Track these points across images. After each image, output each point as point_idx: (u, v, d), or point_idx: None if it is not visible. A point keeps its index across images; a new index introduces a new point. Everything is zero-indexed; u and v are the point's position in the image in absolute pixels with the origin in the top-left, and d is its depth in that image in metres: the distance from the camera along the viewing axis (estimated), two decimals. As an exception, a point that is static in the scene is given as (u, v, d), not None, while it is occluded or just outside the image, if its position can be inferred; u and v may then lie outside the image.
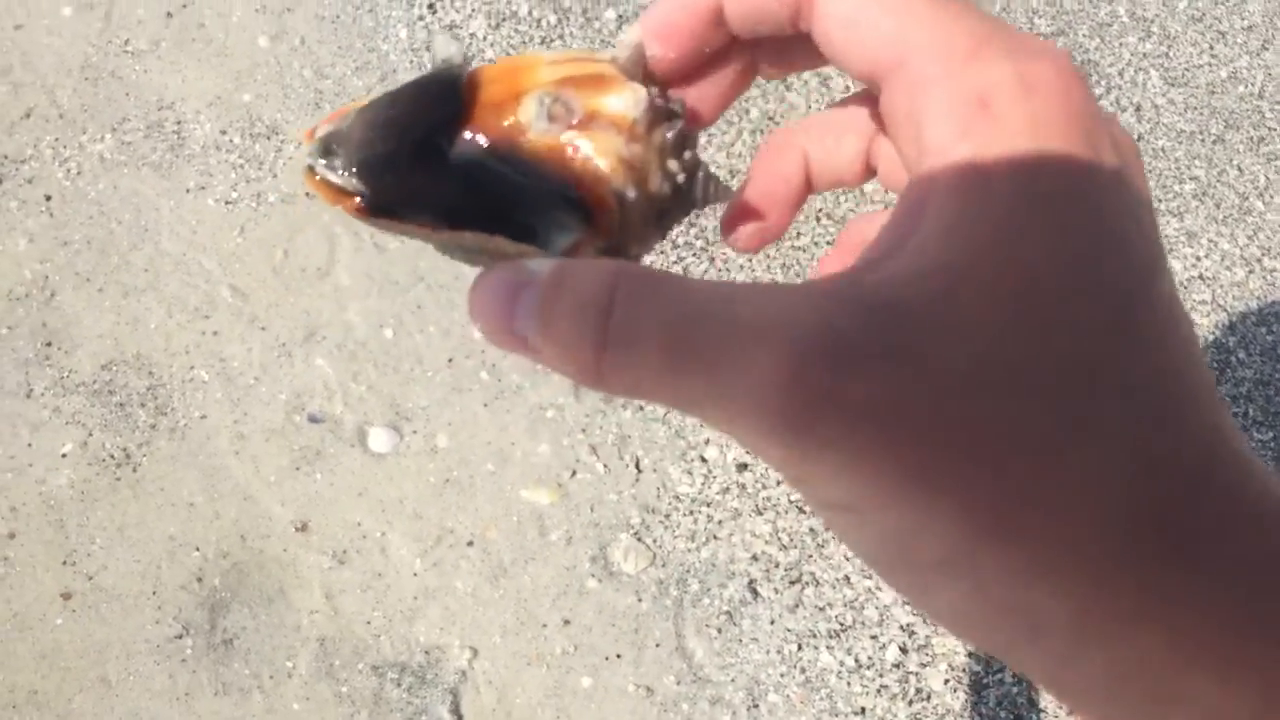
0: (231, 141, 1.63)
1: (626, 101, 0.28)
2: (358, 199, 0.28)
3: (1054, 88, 0.23)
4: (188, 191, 1.58)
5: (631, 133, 0.28)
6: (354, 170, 0.28)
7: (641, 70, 0.30)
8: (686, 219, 0.34)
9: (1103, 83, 2.00)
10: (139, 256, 1.52)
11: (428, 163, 0.27)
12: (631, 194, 0.28)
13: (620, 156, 0.28)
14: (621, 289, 0.23)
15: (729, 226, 0.34)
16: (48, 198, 1.53)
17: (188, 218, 1.56)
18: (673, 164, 0.29)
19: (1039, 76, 0.23)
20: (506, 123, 0.28)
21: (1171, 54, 2.06)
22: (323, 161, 0.28)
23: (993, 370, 0.21)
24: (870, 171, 0.34)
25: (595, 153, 0.27)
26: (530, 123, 0.27)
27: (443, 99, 0.28)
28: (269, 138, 1.64)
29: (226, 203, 1.58)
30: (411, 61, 1.76)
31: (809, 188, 0.34)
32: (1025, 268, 0.21)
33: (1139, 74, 2.02)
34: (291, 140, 1.65)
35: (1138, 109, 1.98)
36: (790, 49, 0.31)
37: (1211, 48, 2.08)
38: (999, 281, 0.21)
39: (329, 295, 1.55)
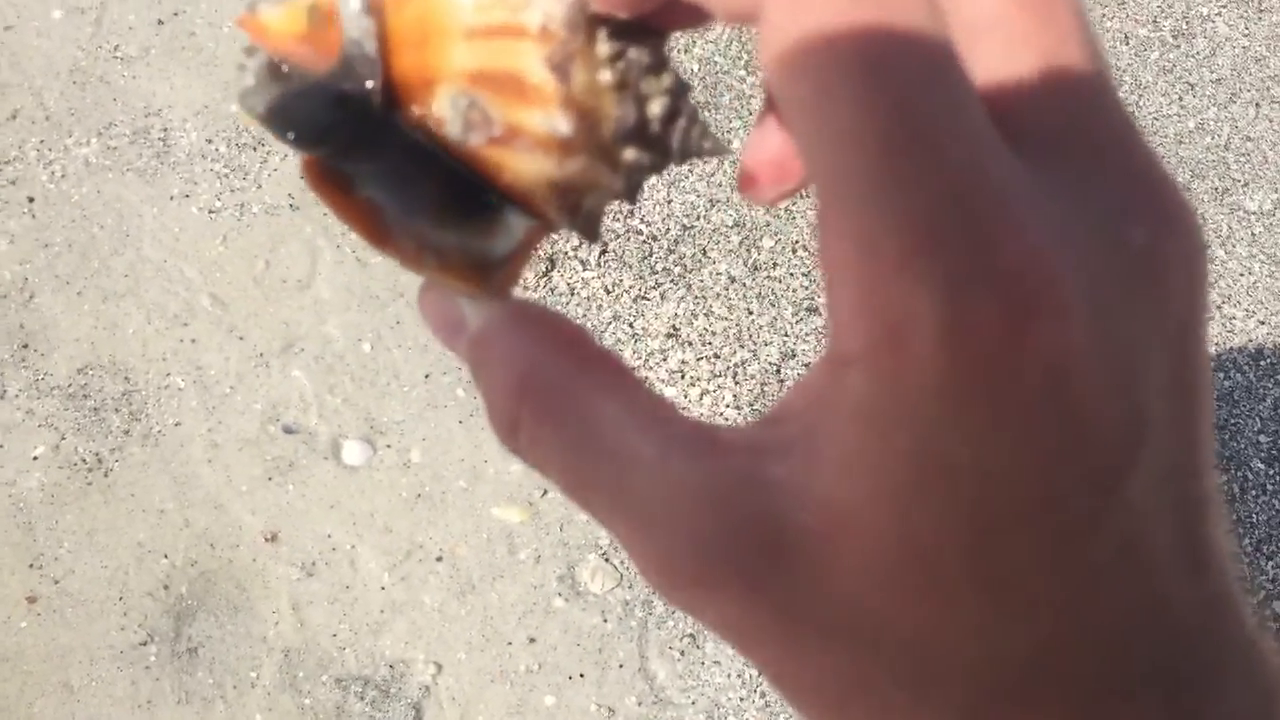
0: (217, 150, 1.64)
1: (552, 121, 0.24)
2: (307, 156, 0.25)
3: (981, 334, 0.19)
4: (171, 199, 1.59)
5: (566, 149, 0.24)
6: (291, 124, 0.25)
7: (584, 30, 0.24)
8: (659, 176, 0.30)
9: (1075, 128, 2.05)
10: (120, 262, 1.53)
11: (368, 140, 0.25)
12: (566, 220, 0.25)
13: (552, 182, 0.25)
14: (528, 404, 0.23)
15: (746, 183, 0.28)
16: (30, 199, 1.54)
17: (170, 225, 1.57)
18: (630, 154, 0.26)
19: (966, 317, 0.19)
20: (420, 113, 0.24)
21: (1142, 103, 2.11)
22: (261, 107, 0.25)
23: (857, 631, 0.20)
24: None
25: (521, 179, 0.24)
26: (446, 121, 0.24)
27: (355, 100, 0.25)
28: (255, 148, 1.65)
29: (210, 211, 1.59)
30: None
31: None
32: (908, 547, 0.19)
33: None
34: (277, 152, 1.66)
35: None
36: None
37: (1181, 99, 2.13)
38: (880, 554, 0.19)
39: (309, 307, 1.56)
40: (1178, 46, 2.20)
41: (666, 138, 0.26)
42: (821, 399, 0.20)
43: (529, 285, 1.61)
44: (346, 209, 0.25)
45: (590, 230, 0.27)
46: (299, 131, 0.25)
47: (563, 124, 0.24)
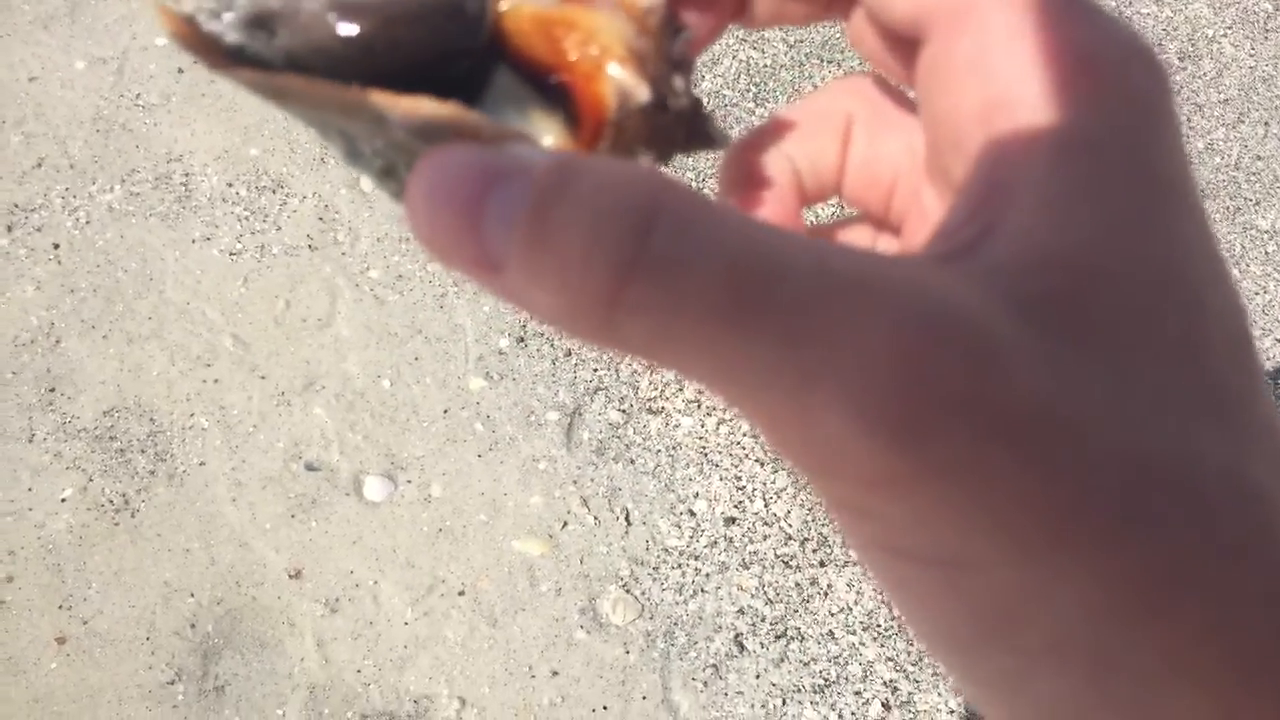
0: (237, 194, 1.67)
1: None
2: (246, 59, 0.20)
3: (1157, 68, 0.20)
4: (193, 242, 1.62)
5: (643, 23, 0.21)
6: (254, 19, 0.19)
7: None
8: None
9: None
10: (144, 305, 1.56)
11: (341, 10, 0.19)
12: (642, 96, 0.21)
13: (630, 47, 0.21)
14: (669, 201, 0.16)
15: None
16: (56, 246, 1.57)
17: (192, 267, 1.60)
18: (679, 82, 0.23)
19: (1144, 51, 0.20)
20: None
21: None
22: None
23: (1136, 396, 0.17)
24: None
25: (601, 36, 0.20)
26: None
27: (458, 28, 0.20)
28: (274, 191, 1.69)
29: (231, 253, 1.62)
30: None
31: (801, 203, 0.28)
32: (1154, 266, 0.18)
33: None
34: (296, 194, 1.69)
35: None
36: None
37: (1189, 120, 2.15)
38: (1129, 281, 0.17)
39: (329, 345, 1.59)
40: (1184, 68, 2.22)
41: (694, 109, 0.24)
42: (989, 175, 0.19)
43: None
44: (294, 78, 0.19)
45: (704, 133, 0.24)
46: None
47: None
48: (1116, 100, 0.19)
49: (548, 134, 0.20)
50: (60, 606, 1.35)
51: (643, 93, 0.21)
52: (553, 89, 0.20)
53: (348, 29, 0.19)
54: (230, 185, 1.68)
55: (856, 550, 0.19)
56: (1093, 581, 0.16)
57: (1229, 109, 2.17)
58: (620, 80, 0.21)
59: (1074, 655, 0.17)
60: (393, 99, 0.17)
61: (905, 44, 0.24)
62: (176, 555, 1.40)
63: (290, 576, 1.42)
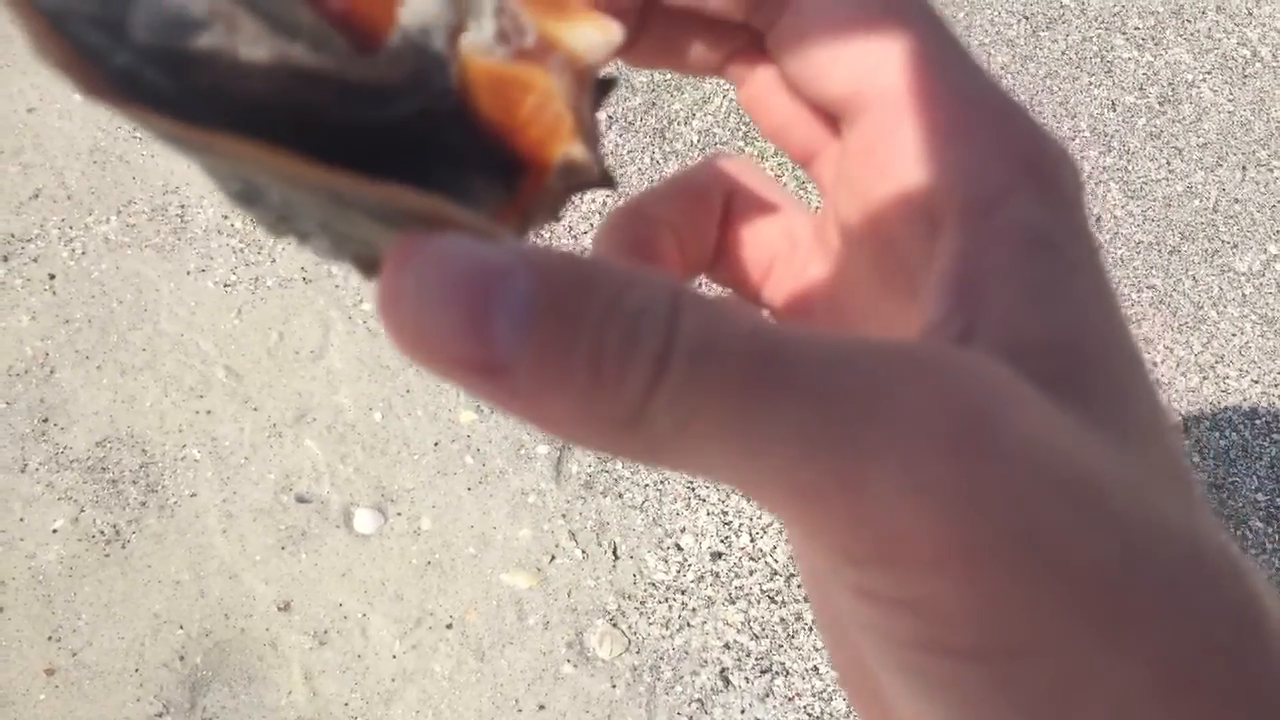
0: (233, 226, 1.68)
1: (595, 40, 0.20)
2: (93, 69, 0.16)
3: (1078, 173, 0.21)
4: (188, 273, 1.63)
5: (584, 82, 0.21)
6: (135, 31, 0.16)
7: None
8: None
9: (1066, 193, 2.11)
10: (138, 336, 1.57)
11: (285, 70, 0.16)
12: (591, 174, 0.20)
13: (575, 108, 0.20)
14: (687, 294, 0.16)
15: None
16: (51, 276, 1.58)
17: (187, 299, 1.61)
18: (598, 128, 0.22)
19: (1067, 155, 0.21)
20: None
21: (1131, 168, 2.17)
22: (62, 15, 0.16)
23: (1141, 476, 0.17)
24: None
25: (554, 96, 0.19)
26: (467, 30, 0.19)
27: None
28: (269, 224, 1.70)
29: (225, 285, 1.63)
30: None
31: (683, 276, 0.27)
32: (1123, 352, 0.19)
33: (1099, 186, 2.13)
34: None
35: (1098, 220, 2.08)
36: (711, 36, 0.25)
37: (1169, 163, 2.19)
38: (1109, 368, 0.18)
39: (321, 378, 1.60)
40: (1164, 112, 2.27)
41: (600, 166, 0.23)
42: (969, 275, 0.19)
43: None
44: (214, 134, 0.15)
45: (607, 178, 0.23)
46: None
47: (616, 29, 0.21)
48: (1059, 200, 0.20)
49: (486, 203, 0.19)
50: (50, 638, 1.35)
51: (592, 171, 0.21)
52: (488, 141, 0.19)
53: (303, 91, 0.17)
54: (226, 218, 1.69)
55: (882, 657, 0.17)
56: (1143, 659, 0.15)
57: (1207, 153, 2.21)
58: (571, 154, 0.20)
59: None
60: (369, 186, 0.15)
61: (821, 120, 0.24)
62: (166, 587, 1.41)
63: (279, 609, 1.43)
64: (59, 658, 1.34)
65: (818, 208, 0.28)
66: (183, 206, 1.69)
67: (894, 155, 0.21)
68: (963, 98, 0.21)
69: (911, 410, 0.15)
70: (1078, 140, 2.17)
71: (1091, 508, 0.15)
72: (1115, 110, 2.25)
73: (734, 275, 0.28)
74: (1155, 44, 2.36)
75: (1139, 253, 2.05)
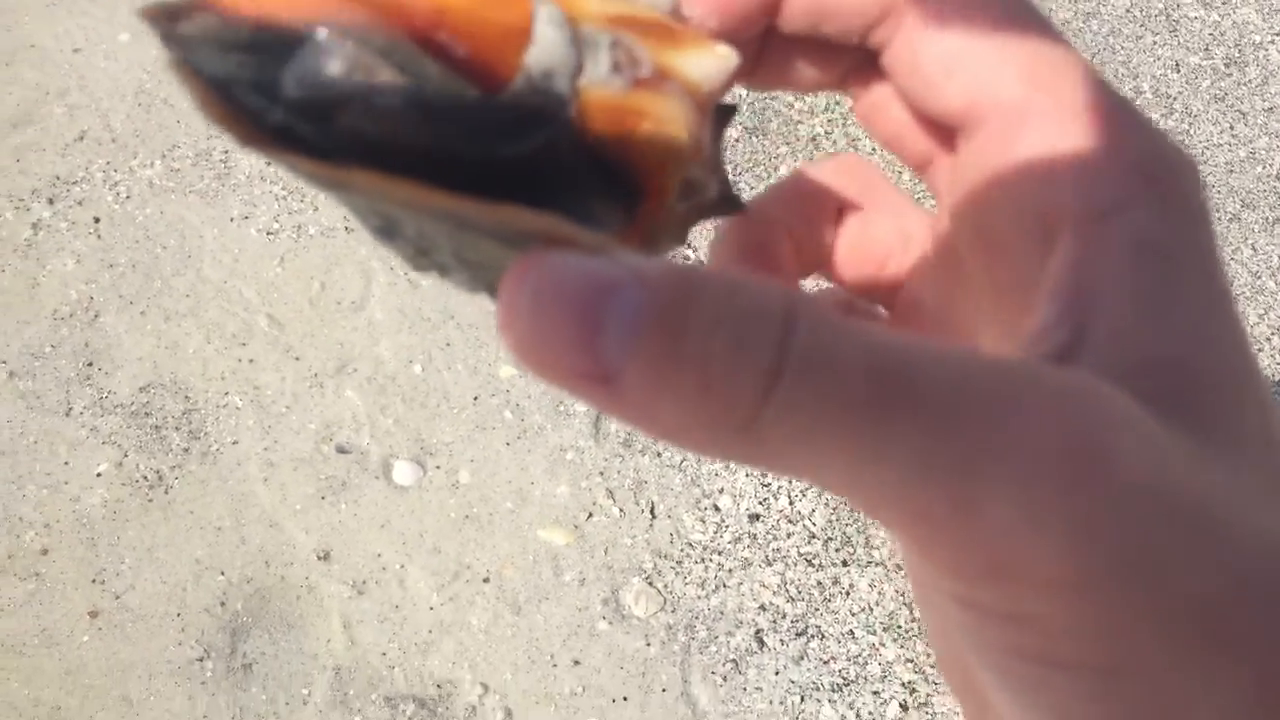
0: (276, 173, 1.68)
1: (712, 67, 0.21)
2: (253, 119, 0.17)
3: (1199, 180, 0.21)
4: (231, 220, 1.63)
5: (702, 108, 0.21)
6: (302, 104, 0.17)
7: None
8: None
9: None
10: (181, 282, 1.57)
11: (419, 112, 0.18)
12: (710, 193, 0.22)
13: (693, 133, 0.20)
14: (802, 304, 0.16)
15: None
16: (96, 220, 1.58)
17: (230, 246, 1.61)
18: (721, 154, 0.23)
19: (1188, 162, 0.21)
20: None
21: (1193, 132, 2.10)
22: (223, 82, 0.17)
23: (1255, 493, 0.17)
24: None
25: (669, 124, 0.20)
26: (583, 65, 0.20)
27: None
28: (312, 171, 1.69)
29: (268, 233, 1.63)
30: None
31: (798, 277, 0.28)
32: (1233, 367, 0.19)
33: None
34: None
35: (1157, 184, 2.03)
36: (828, 59, 0.25)
37: (1232, 128, 2.12)
38: (1219, 383, 0.18)
39: (362, 329, 1.60)
40: (1229, 74, 2.19)
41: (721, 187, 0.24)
42: (1078, 287, 0.19)
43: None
44: (357, 172, 0.17)
45: (731, 200, 0.24)
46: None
47: (732, 55, 0.21)
48: (1178, 209, 0.20)
49: (607, 226, 0.20)
50: (94, 580, 1.37)
51: (712, 188, 0.21)
52: (608, 170, 0.20)
53: (428, 133, 0.18)
54: (269, 164, 1.68)
55: (983, 660, 0.18)
56: (1245, 680, 0.16)
57: (1273, 117, 2.14)
58: (691, 176, 0.21)
59: None
60: (484, 207, 0.16)
61: (937, 131, 0.24)
62: (208, 533, 1.42)
63: (319, 558, 1.44)
64: (102, 600, 1.36)
65: (933, 206, 0.27)
66: (226, 152, 1.68)
67: (1009, 167, 0.21)
68: (1079, 108, 0.21)
69: (1028, 440, 0.15)
70: (1139, 101, 2.11)
71: (1199, 536, 0.15)
72: (1179, 71, 2.18)
73: (848, 274, 0.28)
74: (1223, 2, 2.28)
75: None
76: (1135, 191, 0.20)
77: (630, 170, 0.20)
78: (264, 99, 0.17)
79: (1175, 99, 2.13)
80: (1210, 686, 0.16)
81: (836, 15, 0.23)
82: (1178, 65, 2.18)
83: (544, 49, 0.19)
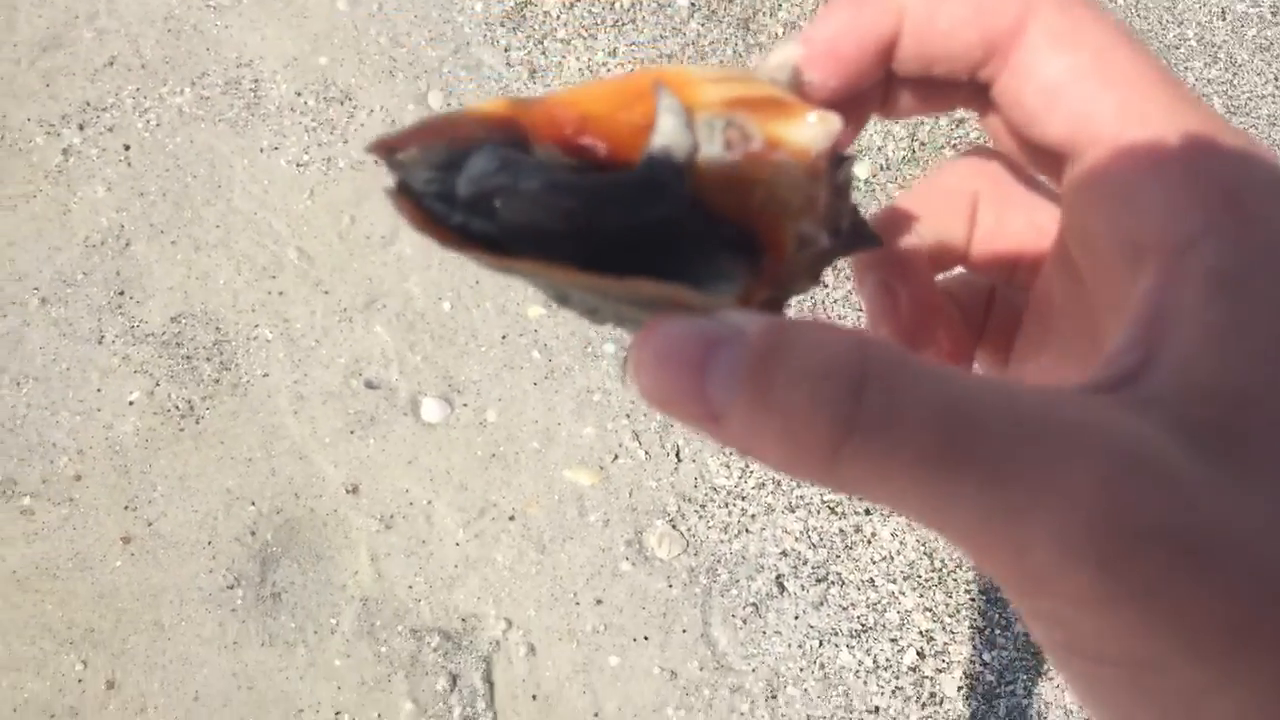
0: (306, 104, 1.66)
1: (815, 132, 0.24)
2: (454, 226, 0.22)
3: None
4: (261, 151, 1.61)
5: (813, 168, 0.24)
6: (479, 206, 0.22)
7: (796, 97, 0.26)
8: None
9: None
10: (211, 212, 1.56)
11: (554, 191, 0.22)
12: (818, 235, 0.24)
13: (804, 193, 0.24)
14: (875, 360, 0.18)
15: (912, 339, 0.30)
16: (127, 147, 1.57)
17: (260, 177, 1.60)
18: (843, 204, 0.26)
19: (1269, 188, 0.21)
20: None
21: (1236, 82, 2.06)
22: (421, 196, 0.22)
23: None
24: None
25: (778, 188, 0.23)
26: (701, 145, 0.23)
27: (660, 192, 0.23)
28: (342, 102, 1.67)
29: (298, 165, 1.62)
30: (485, 35, 1.78)
31: (933, 274, 0.31)
32: None
33: (1202, 99, 2.02)
34: (364, 107, 1.68)
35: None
36: (943, 91, 0.27)
37: (1277, 79, 2.07)
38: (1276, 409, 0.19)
39: (391, 264, 1.59)
40: (1276, 23, 2.14)
41: (854, 231, 0.27)
42: (1148, 310, 0.21)
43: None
44: (528, 261, 0.22)
45: (861, 235, 0.27)
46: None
47: (834, 119, 0.24)
48: (1257, 239, 0.20)
49: (738, 280, 0.23)
50: (126, 507, 1.38)
51: (823, 240, 0.24)
52: (733, 231, 0.23)
53: (563, 207, 0.22)
54: (299, 94, 1.66)
55: (1051, 652, 0.21)
56: (1262, 685, 0.18)
57: (1321, 71, 2.09)
58: (798, 229, 0.24)
59: None
60: (615, 281, 0.21)
61: (1046, 157, 0.26)
62: (239, 464, 1.44)
63: (347, 491, 1.45)
64: (135, 527, 1.38)
65: None
66: (256, 81, 1.66)
67: (1106, 197, 0.23)
68: (1170, 138, 0.22)
69: (1064, 489, 0.17)
70: (1183, 49, 2.06)
71: (1210, 568, 0.17)
72: (1225, 19, 2.13)
73: (984, 267, 0.31)
74: (1276, -51, 2.21)
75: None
76: (1216, 221, 0.20)
77: (752, 230, 0.23)
78: (446, 205, 0.22)
79: (1220, 47, 2.08)
80: (1229, 684, 0.18)
81: (944, 59, 0.25)
82: (1224, 12, 2.12)
83: (662, 135, 0.23)
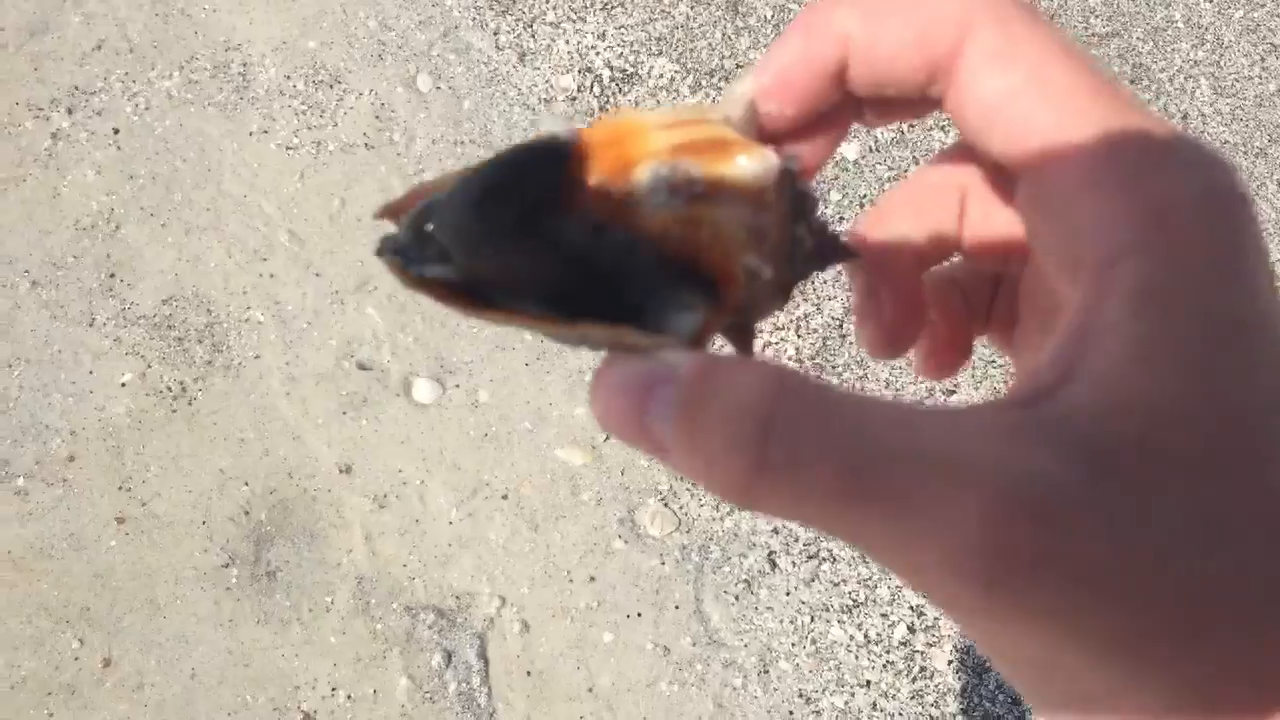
0: (295, 87, 1.66)
1: (754, 169, 0.25)
2: (443, 283, 0.25)
3: (1232, 207, 0.22)
4: (250, 134, 1.62)
5: (759, 201, 0.26)
6: (448, 254, 0.25)
7: (755, 129, 0.28)
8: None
9: (1152, 88, 2.02)
10: (201, 195, 1.56)
11: (527, 242, 0.24)
12: (765, 270, 0.26)
13: (749, 228, 0.25)
14: (784, 401, 0.20)
15: (876, 343, 0.32)
16: (116, 131, 1.57)
17: (250, 160, 1.60)
18: (800, 229, 0.27)
19: (1217, 193, 0.21)
20: (617, 197, 0.25)
21: (1223, 64, 2.07)
22: (402, 249, 0.26)
23: (1203, 527, 0.19)
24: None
25: (723, 226, 0.25)
26: (646, 196, 0.24)
27: (544, 171, 0.25)
28: (331, 86, 1.67)
29: (287, 148, 1.62)
30: (474, 19, 1.79)
31: (920, 269, 0.32)
32: (1224, 405, 0.20)
33: (1189, 81, 2.04)
34: (353, 90, 1.68)
35: (1184, 117, 2.00)
36: (904, 104, 0.28)
37: (1263, 60, 2.09)
38: (1199, 422, 0.19)
39: (382, 246, 1.59)
40: (1263, 5, 2.15)
41: (820, 237, 0.29)
42: (1074, 328, 0.22)
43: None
44: (505, 313, 0.25)
45: (834, 251, 0.29)
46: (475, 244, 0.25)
47: (770, 155, 0.26)
48: (1187, 254, 0.21)
49: (698, 309, 0.25)
50: (120, 488, 1.39)
51: (766, 272, 0.26)
52: (695, 267, 0.25)
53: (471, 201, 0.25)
54: (288, 78, 1.67)
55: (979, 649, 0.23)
56: (1163, 684, 0.19)
57: (1305, 50, 2.10)
58: (745, 263, 0.25)
59: None
60: (567, 327, 0.24)
61: (1005, 170, 0.27)
62: (232, 444, 1.44)
63: (341, 471, 1.46)
64: (129, 507, 1.38)
65: None
66: (244, 65, 1.66)
67: (1049, 212, 0.24)
68: (1105, 152, 0.22)
69: (957, 525, 0.19)
70: (1170, 31, 2.07)
71: (1103, 592, 0.19)
72: (1212, 1, 2.14)
73: (975, 256, 0.32)
74: (1260, -70, 2.22)
75: (1224, 153, 1.98)
76: (1144, 238, 0.21)
77: (705, 266, 0.25)
78: (418, 257, 0.26)
79: (1207, 29, 2.09)
80: (1129, 686, 0.20)
81: (892, 81, 0.26)
82: (1210, -6, 2.14)
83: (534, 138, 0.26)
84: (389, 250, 0.26)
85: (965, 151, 0.30)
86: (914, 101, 0.27)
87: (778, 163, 0.26)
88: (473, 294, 0.25)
